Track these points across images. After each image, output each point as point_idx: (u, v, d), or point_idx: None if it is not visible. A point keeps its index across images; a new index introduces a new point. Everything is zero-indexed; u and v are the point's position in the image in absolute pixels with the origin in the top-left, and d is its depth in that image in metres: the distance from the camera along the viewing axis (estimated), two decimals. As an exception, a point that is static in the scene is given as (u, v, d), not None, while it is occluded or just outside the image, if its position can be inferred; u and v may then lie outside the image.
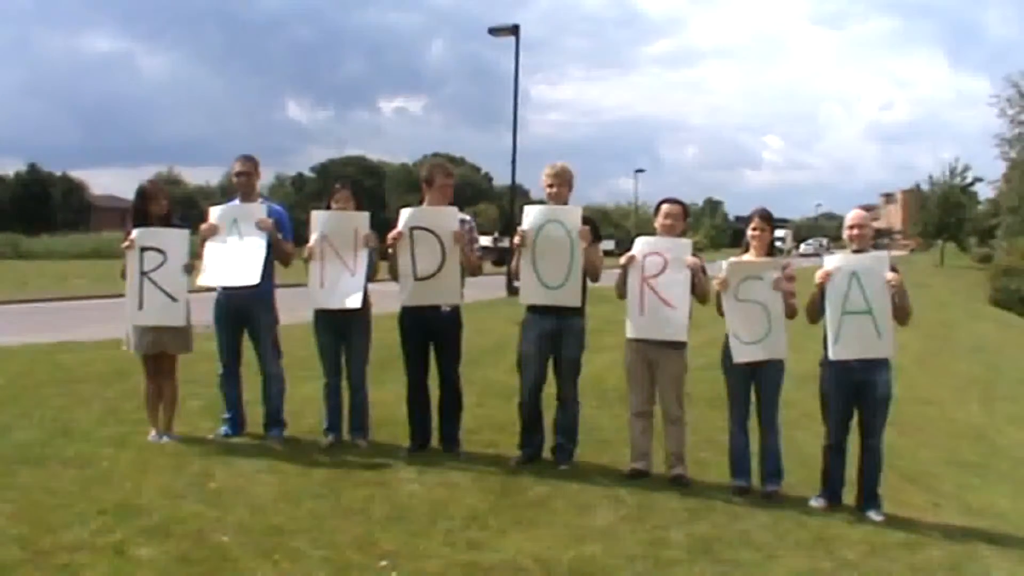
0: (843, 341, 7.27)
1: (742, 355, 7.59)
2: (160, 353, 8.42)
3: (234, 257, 8.31)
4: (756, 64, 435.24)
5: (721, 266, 7.66)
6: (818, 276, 7.40)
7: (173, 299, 8.18)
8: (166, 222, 8.42)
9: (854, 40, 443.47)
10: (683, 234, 8.04)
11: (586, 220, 7.97)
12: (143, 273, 8.17)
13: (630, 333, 7.92)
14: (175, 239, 8.28)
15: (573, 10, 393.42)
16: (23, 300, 24.87)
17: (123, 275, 8.31)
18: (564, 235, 7.89)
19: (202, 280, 8.39)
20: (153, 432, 8.40)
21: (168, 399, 8.48)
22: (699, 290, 7.82)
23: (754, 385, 7.72)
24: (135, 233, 8.23)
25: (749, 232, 7.85)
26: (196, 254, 8.42)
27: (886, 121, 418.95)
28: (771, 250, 7.87)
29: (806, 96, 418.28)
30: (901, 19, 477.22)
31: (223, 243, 8.38)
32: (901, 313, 7.29)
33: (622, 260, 7.90)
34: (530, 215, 8.05)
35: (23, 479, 7.13)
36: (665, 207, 8.04)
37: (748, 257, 7.78)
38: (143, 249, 8.21)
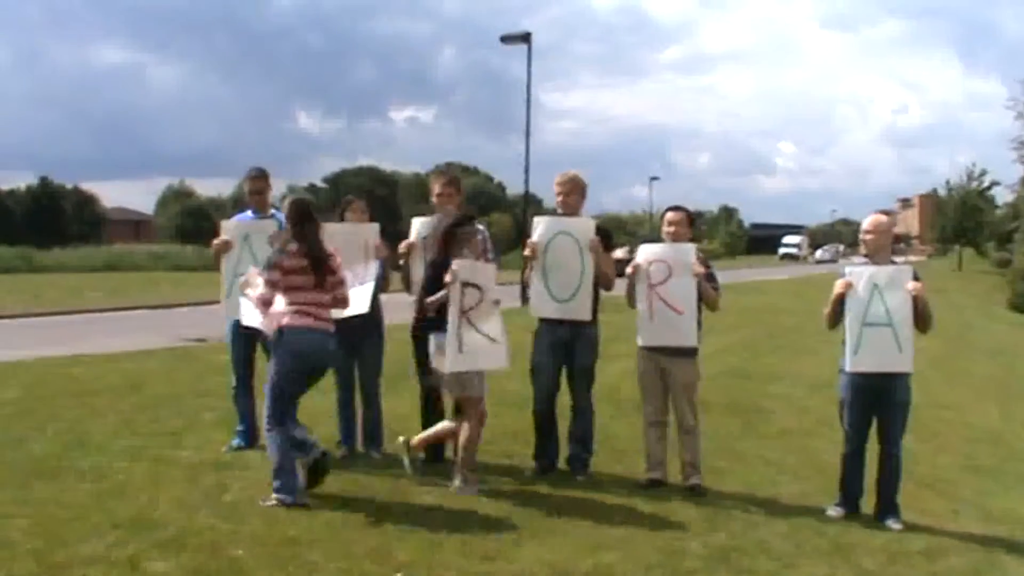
0: (862, 353, 7.23)
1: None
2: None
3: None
4: (767, 69, 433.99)
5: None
6: (839, 286, 7.37)
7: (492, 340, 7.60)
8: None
9: (866, 43, 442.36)
10: (698, 240, 8.03)
11: (600, 230, 7.96)
12: (463, 312, 7.41)
13: (641, 341, 7.93)
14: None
15: (583, 17, 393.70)
16: (37, 313, 24.91)
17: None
18: (575, 247, 7.87)
19: (244, 321, 7.99)
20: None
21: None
22: (706, 296, 7.82)
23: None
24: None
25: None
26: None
27: (901, 125, 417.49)
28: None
29: (819, 101, 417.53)
30: (912, 21, 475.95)
31: (238, 269, 8.28)
32: (923, 321, 7.25)
33: (628, 270, 7.89)
34: (540, 226, 8.04)
35: (38, 492, 7.12)
36: (669, 215, 8.08)
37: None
38: (464, 285, 7.44)
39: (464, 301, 7.36)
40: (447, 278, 7.33)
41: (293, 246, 7.15)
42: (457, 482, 7.52)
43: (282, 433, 7.14)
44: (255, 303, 7.34)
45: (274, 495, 7.02)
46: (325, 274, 7.22)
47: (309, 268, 7.12)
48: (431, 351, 7.62)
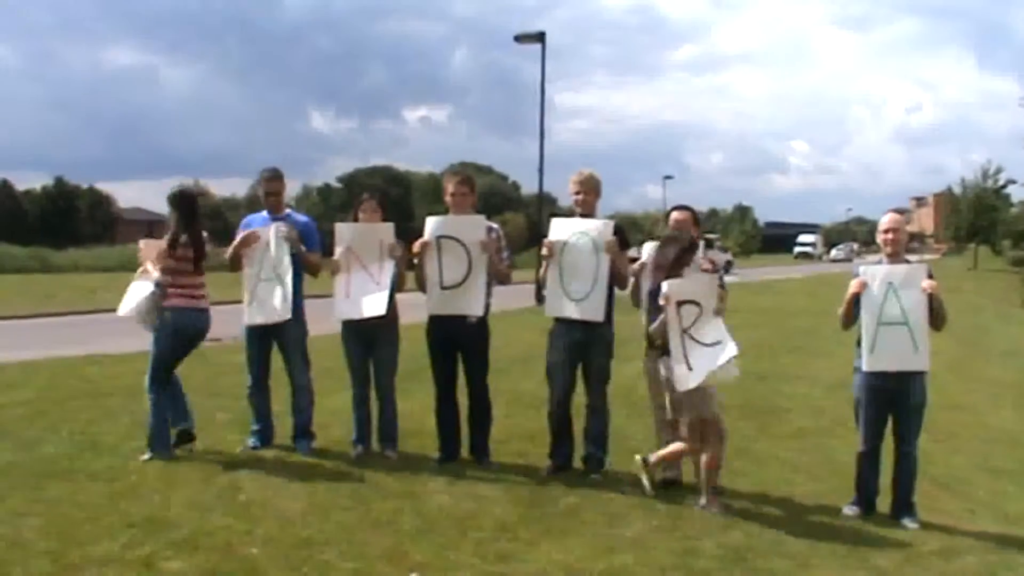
0: (878, 352, 7.20)
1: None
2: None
3: (273, 292, 8.40)
4: (781, 69, 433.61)
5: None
6: (854, 286, 7.34)
7: None
8: None
9: (879, 43, 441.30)
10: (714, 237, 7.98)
11: (616, 230, 7.94)
12: (684, 331, 7.33)
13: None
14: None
15: (596, 17, 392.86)
16: (50, 313, 24.96)
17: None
18: (591, 247, 7.85)
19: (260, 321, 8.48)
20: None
21: None
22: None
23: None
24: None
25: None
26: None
27: (914, 124, 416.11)
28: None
29: (832, 100, 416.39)
30: (925, 20, 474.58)
31: (260, 272, 8.44)
32: (937, 320, 7.22)
33: (634, 268, 7.85)
34: (557, 227, 8.02)
35: (51, 493, 7.15)
36: (675, 214, 8.04)
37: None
38: None
39: (682, 320, 7.29)
40: (660, 301, 7.31)
41: (183, 238, 8.27)
42: (702, 500, 7.38)
43: (160, 395, 8.39)
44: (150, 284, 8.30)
45: (149, 452, 8.26)
46: (202, 260, 8.38)
47: (192, 258, 8.29)
48: (663, 376, 7.56)
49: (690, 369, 7.20)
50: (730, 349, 7.16)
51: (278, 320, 8.37)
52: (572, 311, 7.92)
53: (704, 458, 7.37)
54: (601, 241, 7.83)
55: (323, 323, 9.00)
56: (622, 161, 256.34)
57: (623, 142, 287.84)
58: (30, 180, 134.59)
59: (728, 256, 56.89)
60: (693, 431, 7.39)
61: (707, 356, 7.18)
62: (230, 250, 8.54)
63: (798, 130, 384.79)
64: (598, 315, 7.91)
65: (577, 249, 7.89)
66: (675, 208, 8.14)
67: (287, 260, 8.32)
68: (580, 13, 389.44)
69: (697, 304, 7.25)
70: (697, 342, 7.23)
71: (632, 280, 7.91)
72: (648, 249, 7.89)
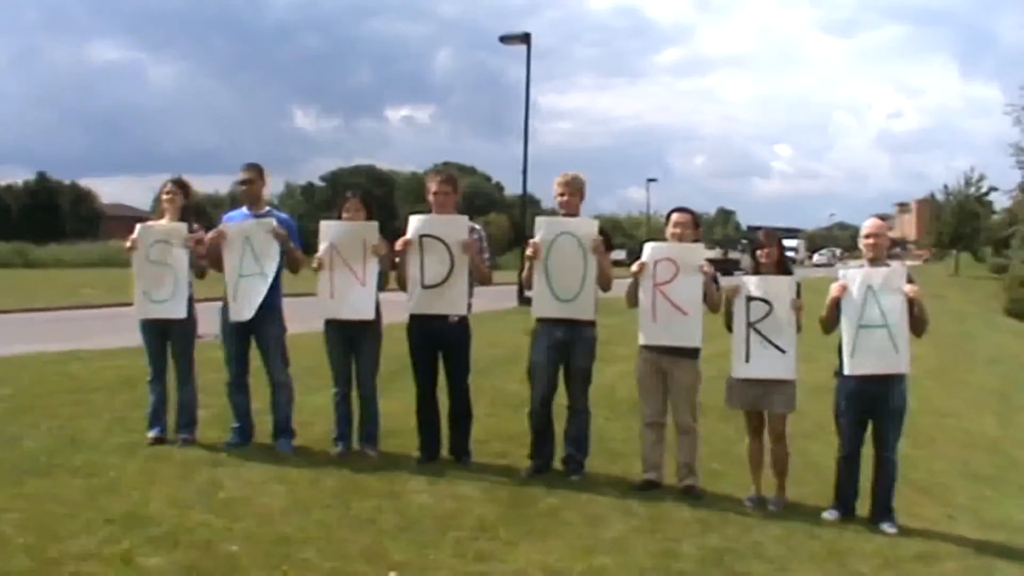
0: (859, 355, 7.21)
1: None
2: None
3: (248, 289, 8.38)
4: (766, 73, 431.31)
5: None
6: (834, 289, 7.36)
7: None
8: None
9: (864, 48, 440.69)
10: (696, 243, 7.99)
11: (600, 231, 7.94)
12: (750, 324, 7.66)
13: (643, 340, 7.86)
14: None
15: (581, 19, 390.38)
16: (33, 309, 24.86)
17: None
18: (577, 247, 7.84)
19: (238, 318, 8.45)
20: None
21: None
22: (710, 299, 7.77)
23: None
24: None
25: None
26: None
27: (897, 130, 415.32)
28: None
29: (816, 105, 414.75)
30: (911, 27, 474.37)
31: (241, 271, 8.41)
32: (918, 324, 7.24)
33: (634, 268, 7.83)
34: (542, 227, 8.00)
35: (31, 488, 7.11)
36: (675, 216, 8.00)
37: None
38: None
39: (750, 314, 7.61)
40: (727, 294, 7.78)
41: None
42: (775, 497, 7.77)
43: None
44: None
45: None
46: None
47: None
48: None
49: (747, 362, 7.59)
50: (789, 370, 7.58)
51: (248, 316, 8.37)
52: (561, 311, 7.92)
53: (776, 456, 7.78)
54: (587, 241, 7.83)
55: (306, 321, 8.98)
56: (606, 163, 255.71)
57: (607, 144, 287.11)
58: (12, 175, 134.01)
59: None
60: (775, 427, 7.74)
61: (771, 358, 7.55)
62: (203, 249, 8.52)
63: (782, 134, 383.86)
64: (589, 313, 7.92)
65: (563, 250, 7.88)
66: (675, 210, 8.09)
67: (276, 257, 8.31)
68: (566, 15, 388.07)
69: (767, 303, 7.56)
70: (764, 337, 7.55)
71: (631, 281, 7.90)
72: (649, 250, 7.88)
